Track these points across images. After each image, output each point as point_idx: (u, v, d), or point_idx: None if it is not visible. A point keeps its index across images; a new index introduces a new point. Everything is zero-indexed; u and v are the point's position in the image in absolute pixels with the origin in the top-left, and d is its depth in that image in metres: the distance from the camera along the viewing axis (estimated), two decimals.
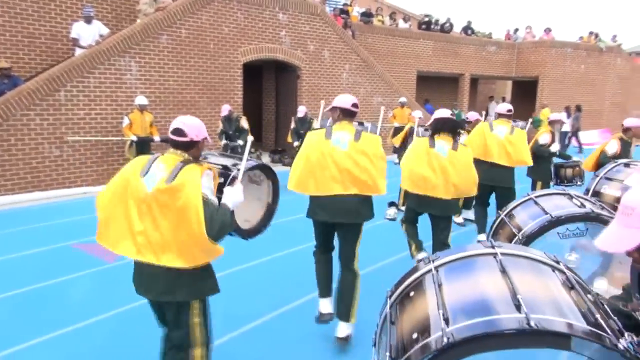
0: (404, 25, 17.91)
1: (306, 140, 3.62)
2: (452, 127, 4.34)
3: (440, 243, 4.36)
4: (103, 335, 3.86)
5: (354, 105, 3.59)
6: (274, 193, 3.25)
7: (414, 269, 1.92)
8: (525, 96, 20.61)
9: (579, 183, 6.31)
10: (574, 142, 17.27)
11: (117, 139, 9.36)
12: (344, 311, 3.56)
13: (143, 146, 9.22)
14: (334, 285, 3.76)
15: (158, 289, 2.53)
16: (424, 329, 1.55)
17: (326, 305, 3.73)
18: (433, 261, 1.85)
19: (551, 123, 6.66)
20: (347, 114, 3.57)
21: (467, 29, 19.72)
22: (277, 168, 9.37)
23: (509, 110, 5.76)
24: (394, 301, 1.85)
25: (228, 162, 2.97)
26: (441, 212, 4.35)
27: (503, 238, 3.20)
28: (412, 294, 1.78)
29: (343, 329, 3.59)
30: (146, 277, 2.55)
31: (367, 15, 16.68)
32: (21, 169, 8.35)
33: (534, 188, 6.31)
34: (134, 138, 9.02)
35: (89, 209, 8.22)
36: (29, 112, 8.35)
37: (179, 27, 10.29)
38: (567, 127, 15.08)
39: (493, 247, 1.83)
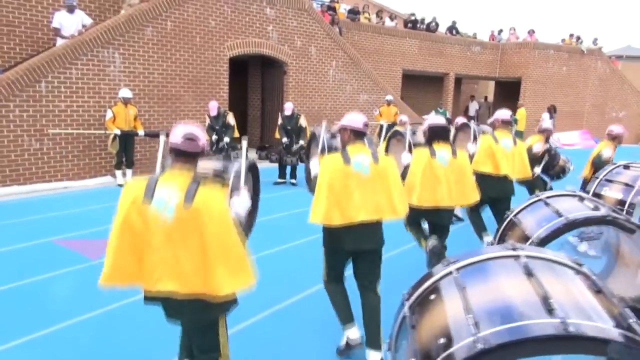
0: (390, 23, 17.91)
1: (323, 167, 3.34)
2: (448, 135, 4.35)
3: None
4: (87, 335, 3.70)
5: (365, 125, 3.42)
6: (254, 182, 3.28)
7: (431, 273, 1.85)
8: (507, 96, 20.82)
9: (571, 168, 6.33)
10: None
11: (100, 133, 9.09)
12: (374, 338, 3.29)
13: (126, 140, 9.01)
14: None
15: (190, 314, 2.43)
16: (452, 334, 1.48)
17: (355, 331, 3.43)
18: (453, 263, 1.78)
19: (542, 132, 6.59)
20: (359, 135, 3.38)
21: (452, 29, 19.82)
22: (264, 164, 9.25)
23: (511, 116, 5.63)
24: (412, 304, 1.77)
25: (216, 165, 2.93)
26: (443, 220, 4.37)
27: (513, 240, 3.15)
28: (432, 297, 1.71)
29: (375, 358, 3.28)
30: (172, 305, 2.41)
31: (354, 13, 16.62)
32: None
33: (531, 194, 6.29)
34: (117, 132, 8.77)
35: (70, 203, 7.96)
36: (8, 104, 8.05)
37: (165, 19, 10.06)
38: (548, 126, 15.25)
39: (515, 249, 1.77)
